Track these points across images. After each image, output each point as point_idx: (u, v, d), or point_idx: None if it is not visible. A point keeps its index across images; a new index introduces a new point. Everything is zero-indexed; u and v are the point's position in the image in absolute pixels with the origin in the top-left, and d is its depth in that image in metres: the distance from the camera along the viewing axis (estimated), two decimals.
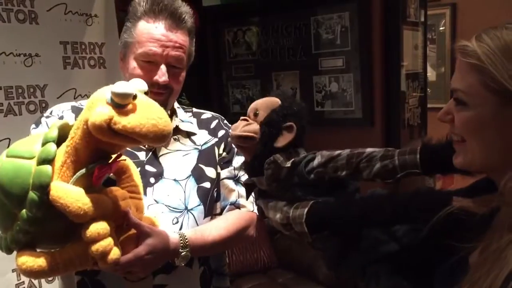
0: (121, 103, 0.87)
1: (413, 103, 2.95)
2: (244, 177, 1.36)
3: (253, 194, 1.34)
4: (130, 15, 1.24)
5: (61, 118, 1.24)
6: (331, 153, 1.00)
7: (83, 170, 0.93)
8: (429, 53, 3.36)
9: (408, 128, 2.89)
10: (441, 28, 3.81)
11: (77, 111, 1.24)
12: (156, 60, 1.19)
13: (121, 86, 0.87)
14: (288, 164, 1.03)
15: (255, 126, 1.07)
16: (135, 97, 0.88)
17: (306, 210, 0.99)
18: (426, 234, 0.80)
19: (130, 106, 0.87)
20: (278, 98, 1.10)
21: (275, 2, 2.94)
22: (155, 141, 0.89)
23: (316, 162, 1.01)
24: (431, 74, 3.71)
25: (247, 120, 1.10)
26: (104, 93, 0.90)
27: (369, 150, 0.98)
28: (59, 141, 0.95)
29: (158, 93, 1.20)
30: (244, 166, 1.16)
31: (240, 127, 1.08)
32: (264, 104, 1.10)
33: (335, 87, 2.82)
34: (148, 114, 0.88)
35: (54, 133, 0.95)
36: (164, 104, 1.23)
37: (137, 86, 0.92)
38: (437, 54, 3.84)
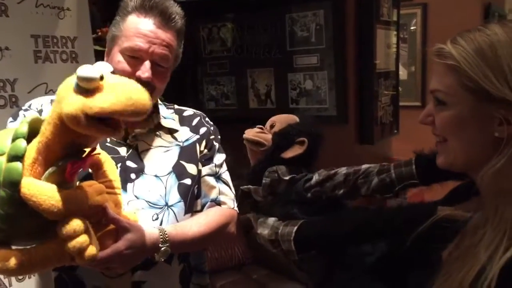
0: (89, 87, 0.83)
1: (385, 101, 3.00)
2: (225, 174, 1.37)
3: (233, 191, 1.35)
4: (121, 9, 1.23)
5: (40, 111, 1.21)
6: (328, 172, 1.02)
7: (54, 167, 0.90)
8: (400, 52, 3.42)
9: (380, 125, 2.94)
10: (412, 28, 3.88)
11: None
12: (141, 55, 1.18)
13: (85, 70, 0.83)
14: (287, 177, 1.04)
15: (268, 136, 1.10)
16: (102, 78, 0.84)
17: (295, 228, 0.99)
18: (411, 244, 0.82)
19: (98, 89, 0.84)
20: (298, 117, 1.14)
21: None
22: (136, 114, 0.84)
23: (314, 180, 1.02)
24: (402, 73, 3.78)
25: (262, 129, 1.13)
26: (69, 82, 0.86)
27: (364, 166, 1.00)
28: (30, 136, 0.93)
29: None
30: (248, 172, 1.16)
31: (253, 132, 1.12)
32: (282, 118, 1.14)
33: (310, 85, 2.84)
34: (119, 89, 0.84)
35: (24, 129, 0.92)
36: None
37: (101, 67, 0.88)
38: (408, 53, 3.91)
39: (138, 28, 1.18)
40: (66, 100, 0.84)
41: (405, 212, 0.92)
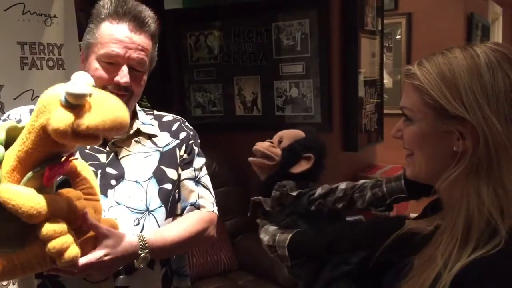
0: (77, 103, 0.85)
1: (370, 109, 3.04)
2: (204, 178, 1.38)
3: (213, 194, 1.38)
4: (94, 17, 1.24)
5: (19, 121, 1.21)
6: (330, 186, 1.11)
7: (31, 173, 0.91)
8: (386, 61, 3.47)
9: (365, 133, 2.98)
10: (397, 37, 3.94)
11: None
12: (117, 61, 1.19)
13: (75, 87, 0.85)
14: (294, 193, 1.13)
15: (278, 150, 1.17)
16: (90, 95, 0.87)
17: (290, 236, 1.08)
18: (381, 253, 0.89)
19: (85, 105, 0.86)
20: (304, 132, 1.20)
21: (237, 7, 2.98)
22: (118, 132, 0.90)
23: (317, 193, 1.11)
24: (387, 81, 3.83)
25: (272, 143, 1.19)
26: (56, 95, 0.88)
27: (361, 181, 1.09)
28: (8, 143, 0.94)
29: (119, 94, 1.20)
30: (258, 184, 1.22)
31: (265, 145, 1.18)
32: (289, 134, 1.20)
33: (295, 92, 2.88)
34: (106, 108, 0.87)
35: (1, 136, 0.94)
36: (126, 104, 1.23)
37: (85, 81, 0.89)
38: (394, 61, 3.97)
39: (113, 34, 1.19)
40: (54, 114, 0.85)
41: (376, 226, 1.00)
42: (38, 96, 1.84)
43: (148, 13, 1.24)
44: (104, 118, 0.85)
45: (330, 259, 1.07)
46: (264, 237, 1.14)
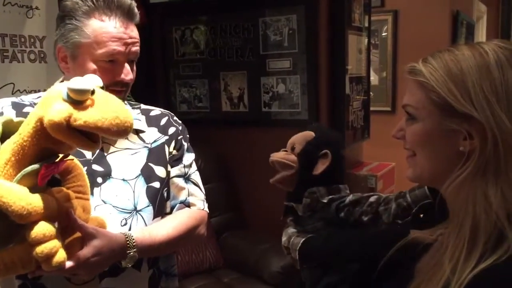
0: (79, 99, 0.84)
1: (356, 106, 3.04)
2: (194, 175, 1.35)
3: (203, 191, 1.37)
4: (73, 12, 1.15)
5: (0, 114, 1.17)
6: (362, 195, 1.12)
7: (28, 168, 0.88)
8: (372, 58, 3.47)
9: (352, 129, 2.98)
10: (383, 34, 3.94)
11: (17, 107, 1.18)
12: (118, 58, 1.16)
13: (78, 82, 0.84)
14: (326, 200, 1.14)
15: (294, 157, 1.17)
16: (93, 92, 0.86)
17: (302, 240, 1.10)
18: (383, 264, 0.88)
19: (88, 102, 0.85)
20: (313, 131, 1.20)
21: (223, 1, 2.94)
22: (118, 134, 0.86)
23: (347, 200, 1.12)
24: (373, 78, 3.83)
25: (287, 152, 1.19)
26: (59, 90, 0.86)
27: (386, 195, 1.11)
28: (3, 138, 0.91)
29: (120, 91, 1.18)
30: (288, 196, 1.23)
31: (280, 155, 1.18)
32: (299, 138, 1.20)
33: (282, 89, 2.86)
34: (108, 107, 0.85)
35: None
36: (122, 100, 1.20)
37: (93, 81, 0.89)
38: (380, 58, 3.97)
39: (110, 32, 1.14)
40: (53, 106, 0.83)
41: (381, 235, 1.02)
42: (19, 90, 1.83)
43: (133, 3, 1.21)
44: (104, 116, 0.83)
45: (335, 265, 1.09)
46: (283, 238, 1.16)
